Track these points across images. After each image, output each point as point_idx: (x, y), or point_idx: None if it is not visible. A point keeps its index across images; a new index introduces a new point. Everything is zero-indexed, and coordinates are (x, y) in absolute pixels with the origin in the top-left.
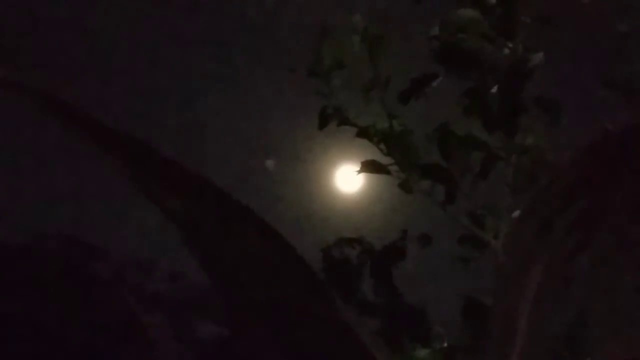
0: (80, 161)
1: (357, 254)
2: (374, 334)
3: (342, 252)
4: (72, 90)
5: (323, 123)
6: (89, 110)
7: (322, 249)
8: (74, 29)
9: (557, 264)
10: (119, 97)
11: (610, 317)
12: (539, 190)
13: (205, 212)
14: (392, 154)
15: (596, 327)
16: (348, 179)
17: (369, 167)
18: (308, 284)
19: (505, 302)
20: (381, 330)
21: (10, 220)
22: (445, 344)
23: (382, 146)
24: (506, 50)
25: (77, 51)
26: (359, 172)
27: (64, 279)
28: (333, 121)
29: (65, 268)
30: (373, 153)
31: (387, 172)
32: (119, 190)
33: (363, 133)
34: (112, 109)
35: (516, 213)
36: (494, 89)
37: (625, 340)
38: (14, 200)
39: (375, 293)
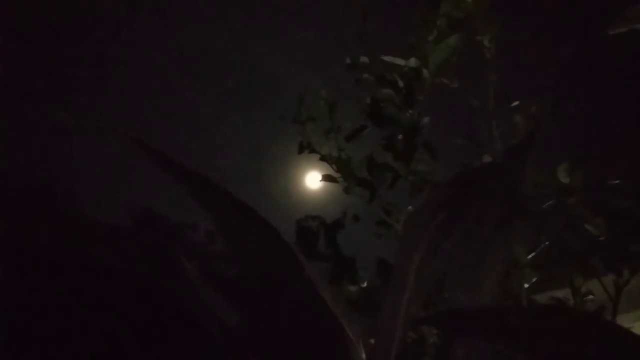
0: None
1: (316, 225)
2: (322, 275)
3: (307, 224)
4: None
5: (300, 150)
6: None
7: (295, 221)
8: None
9: (432, 243)
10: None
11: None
12: (423, 199)
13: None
14: (340, 171)
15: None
16: (313, 182)
17: (326, 178)
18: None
19: (402, 263)
20: (327, 273)
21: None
22: (365, 284)
23: (334, 166)
24: (408, 114)
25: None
26: (321, 180)
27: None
28: (306, 150)
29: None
30: (329, 170)
31: (337, 182)
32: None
33: (324, 158)
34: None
35: (410, 209)
36: (400, 137)
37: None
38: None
39: (326, 248)
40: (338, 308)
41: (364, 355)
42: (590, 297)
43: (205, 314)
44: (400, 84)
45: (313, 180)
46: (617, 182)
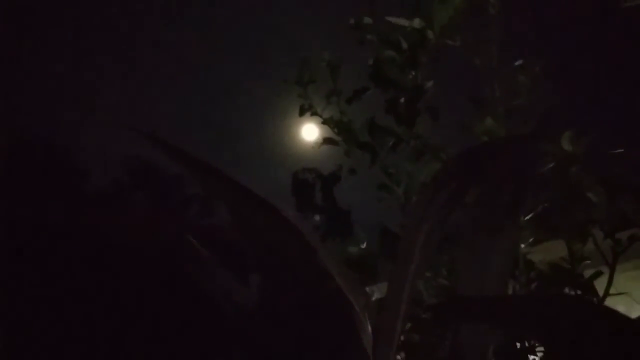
0: None
1: (312, 177)
2: (315, 230)
3: (304, 176)
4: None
5: (301, 113)
6: None
7: (292, 173)
8: None
9: (439, 220)
10: None
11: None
12: (435, 175)
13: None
14: (341, 134)
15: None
16: (310, 134)
17: (327, 141)
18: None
19: (408, 238)
20: (321, 227)
21: None
22: (365, 245)
23: (335, 129)
24: (411, 77)
25: None
26: (322, 144)
27: None
28: (308, 113)
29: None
30: (330, 132)
31: (337, 145)
32: None
33: (325, 122)
34: None
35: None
36: (402, 100)
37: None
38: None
39: (322, 201)
40: (345, 283)
41: (370, 329)
42: (587, 262)
43: (214, 289)
44: (404, 45)
45: (310, 132)
46: (620, 151)
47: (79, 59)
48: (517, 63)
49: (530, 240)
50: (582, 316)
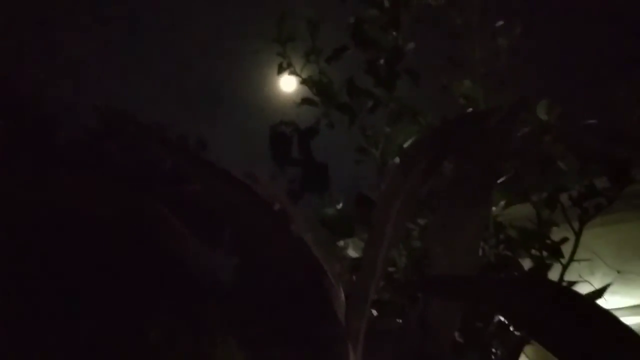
0: None
1: (290, 130)
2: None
3: (282, 129)
4: None
5: (280, 71)
6: None
7: (270, 126)
8: None
9: (414, 191)
10: None
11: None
12: (412, 145)
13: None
14: (319, 95)
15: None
16: (288, 86)
17: (306, 101)
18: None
19: (384, 204)
20: (298, 181)
21: None
22: (340, 205)
23: (314, 90)
24: (392, 38)
25: None
26: (300, 104)
27: None
28: (286, 71)
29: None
30: (308, 92)
31: (317, 105)
32: None
33: (304, 81)
34: None
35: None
36: (382, 61)
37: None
38: None
39: (299, 154)
40: (320, 250)
41: (343, 297)
42: (555, 227)
43: (191, 260)
44: (386, 3)
45: (288, 84)
46: (593, 122)
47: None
48: (497, 24)
49: (502, 203)
50: (539, 295)
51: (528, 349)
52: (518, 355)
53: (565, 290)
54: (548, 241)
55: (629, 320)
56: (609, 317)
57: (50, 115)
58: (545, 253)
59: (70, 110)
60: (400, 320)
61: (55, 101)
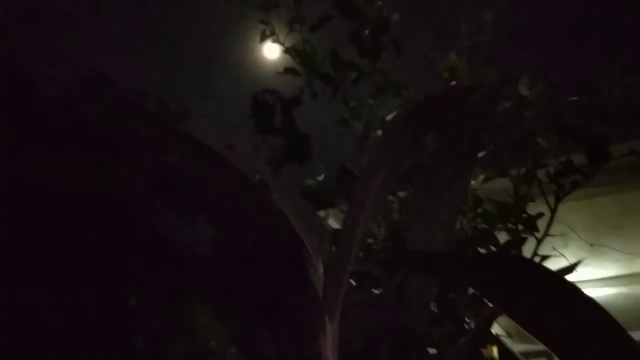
0: None
1: (273, 99)
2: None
3: (264, 97)
4: None
5: (262, 39)
6: None
7: (251, 94)
8: None
9: (395, 166)
10: None
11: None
12: (394, 120)
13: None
14: (303, 65)
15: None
16: (271, 53)
17: (289, 71)
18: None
19: (365, 179)
20: (280, 150)
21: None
22: (323, 177)
23: (298, 60)
24: (377, 8)
25: None
26: (283, 73)
27: None
28: (269, 39)
29: None
30: (292, 62)
31: (300, 75)
32: None
33: (287, 50)
34: None
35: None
36: (367, 32)
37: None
38: None
39: (282, 123)
40: (298, 222)
41: (321, 269)
42: (531, 202)
43: (167, 232)
44: None
45: (271, 51)
46: (573, 99)
47: None
48: None
49: (481, 177)
50: (510, 271)
51: (502, 319)
52: (490, 325)
53: (535, 266)
54: (524, 215)
55: (599, 291)
56: (576, 292)
57: (25, 76)
58: (521, 227)
59: (47, 71)
60: (378, 292)
61: (31, 61)
